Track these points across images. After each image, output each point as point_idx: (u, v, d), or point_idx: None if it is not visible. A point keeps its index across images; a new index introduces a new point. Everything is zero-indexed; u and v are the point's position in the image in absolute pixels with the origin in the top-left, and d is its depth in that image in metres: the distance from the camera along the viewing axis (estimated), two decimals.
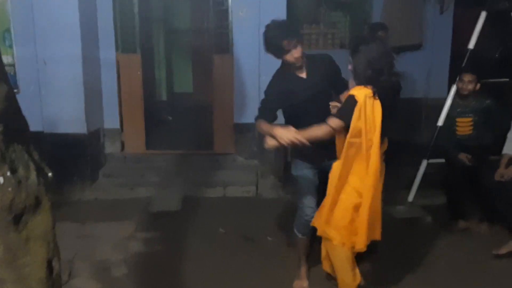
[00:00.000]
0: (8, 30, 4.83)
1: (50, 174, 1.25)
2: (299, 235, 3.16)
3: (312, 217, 2.96)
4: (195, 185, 4.94)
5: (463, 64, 4.07)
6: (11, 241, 1.13)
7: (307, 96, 2.89)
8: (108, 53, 5.29)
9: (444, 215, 4.23)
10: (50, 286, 1.21)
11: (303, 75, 2.94)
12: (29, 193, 1.15)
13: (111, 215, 4.36)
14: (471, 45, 4.05)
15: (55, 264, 1.24)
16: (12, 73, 4.82)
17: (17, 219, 1.14)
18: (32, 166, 1.18)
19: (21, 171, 1.14)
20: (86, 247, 3.71)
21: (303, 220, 3.06)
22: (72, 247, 3.57)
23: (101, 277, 3.31)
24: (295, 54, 2.79)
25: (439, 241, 3.82)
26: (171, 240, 3.88)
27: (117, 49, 5.36)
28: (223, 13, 5.39)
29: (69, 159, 4.76)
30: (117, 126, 5.48)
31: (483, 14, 4.01)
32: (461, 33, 5.55)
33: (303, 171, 3.06)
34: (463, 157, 3.96)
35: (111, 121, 5.43)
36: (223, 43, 5.44)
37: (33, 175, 1.17)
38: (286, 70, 2.96)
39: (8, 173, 1.09)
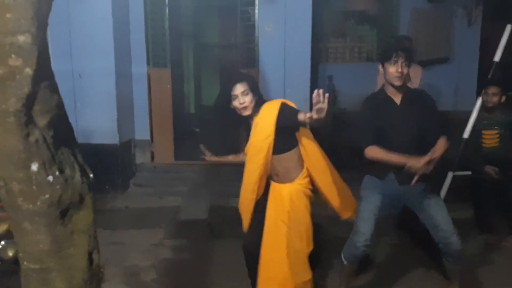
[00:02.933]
0: None
1: (91, 175, 1.37)
2: (345, 262, 2.99)
3: (364, 249, 2.83)
4: (221, 195, 5.03)
5: (489, 77, 4.07)
6: (58, 233, 1.25)
7: (398, 123, 2.79)
8: (139, 67, 5.50)
9: (471, 228, 4.19)
10: (90, 276, 1.33)
11: (398, 101, 2.84)
12: (74, 191, 1.28)
13: (141, 223, 4.49)
14: (497, 57, 4.05)
15: (95, 256, 1.37)
16: None
17: (63, 214, 1.27)
18: (76, 167, 1.31)
19: (67, 171, 1.27)
20: (117, 253, 3.82)
21: (352, 248, 2.89)
22: (103, 253, 3.65)
23: (130, 282, 3.41)
24: None
25: (466, 255, 3.79)
26: (198, 247, 3.97)
27: (148, 63, 5.56)
28: (250, 28, 5.52)
29: (101, 169, 4.92)
30: (148, 137, 5.65)
31: (508, 27, 4.02)
32: (489, 46, 5.53)
33: (372, 194, 2.87)
34: (490, 170, 3.94)
35: (141, 132, 5.62)
36: (249, 57, 5.57)
37: (77, 175, 1.30)
38: (382, 92, 2.88)
39: (57, 173, 1.23)
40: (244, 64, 5.67)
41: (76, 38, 4.93)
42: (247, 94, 2.67)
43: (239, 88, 2.67)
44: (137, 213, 4.80)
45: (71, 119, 5.06)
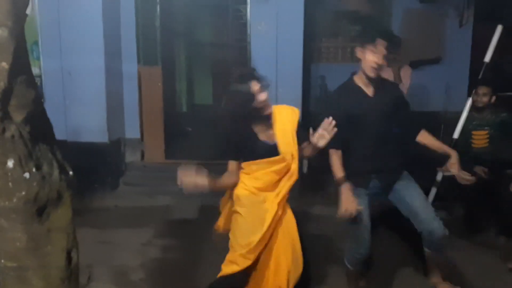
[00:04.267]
0: (36, 43, 5.04)
1: (71, 172, 1.35)
2: (349, 266, 2.91)
3: (366, 252, 2.72)
4: (212, 195, 4.97)
5: (479, 77, 4.08)
6: (34, 231, 1.23)
7: (372, 117, 2.65)
8: (130, 65, 5.47)
9: (460, 228, 4.20)
10: (69, 275, 1.31)
11: (370, 93, 2.68)
12: (52, 188, 1.25)
13: (130, 222, 4.45)
14: (487, 58, 4.06)
15: (73, 254, 1.34)
16: (38, 84, 5.02)
17: (41, 211, 1.24)
18: (55, 164, 1.28)
19: (45, 168, 1.25)
20: (105, 252, 3.79)
21: (356, 255, 2.79)
22: (91, 252, 3.66)
23: (118, 281, 3.38)
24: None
25: (455, 254, 3.79)
26: (188, 247, 3.95)
27: (138, 61, 5.53)
28: (242, 27, 5.51)
29: (91, 167, 4.90)
30: (138, 136, 5.62)
31: (499, 28, 4.03)
32: (480, 47, 5.55)
33: (361, 197, 2.69)
34: (479, 170, 3.95)
35: (132, 131, 5.59)
36: (241, 56, 5.56)
37: (56, 172, 1.27)
38: (352, 84, 2.71)
39: (34, 169, 1.20)
40: (236, 62, 5.66)
41: (66, 35, 4.90)
42: (263, 91, 2.43)
43: (256, 85, 2.41)
44: (126, 212, 4.77)
45: (60, 117, 5.05)
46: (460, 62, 6.53)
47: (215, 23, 8.07)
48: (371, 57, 2.53)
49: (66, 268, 1.30)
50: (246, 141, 2.53)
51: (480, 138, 4.02)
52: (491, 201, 3.99)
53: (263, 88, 2.42)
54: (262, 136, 2.55)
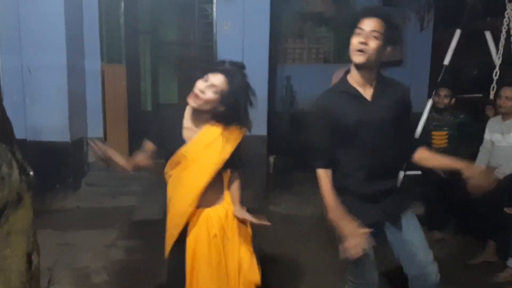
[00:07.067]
0: None
1: (31, 173, 1.31)
2: None
3: None
4: None
5: (439, 80, 4.21)
6: None
7: (370, 127, 2.09)
8: (93, 63, 5.36)
9: (420, 225, 4.31)
10: (29, 279, 1.27)
11: (368, 95, 2.12)
12: (11, 189, 1.21)
13: (93, 223, 4.37)
14: (447, 61, 4.19)
15: (34, 257, 1.30)
16: None
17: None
18: (15, 165, 1.24)
19: (4, 169, 1.20)
20: (67, 254, 3.70)
21: None
22: (52, 254, 3.58)
23: (81, 284, 3.31)
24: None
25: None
26: (152, 248, 3.90)
27: (102, 59, 5.42)
28: (208, 26, 5.49)
29: (52, 167, 4.77)
30: (101, 135, 5.51)
31: (458, 32, 4.17)
32: (440, 50, 5.73)
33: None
34: (438, 169, 4.07)
35: (94, 130, 5.47)
36: (208, 55, 5.53)
37: (15, 173, 1.23)
38: (346, 84, 2.15)
39: None
40: (202, 61, 5.62)
41: (26, 31, 4.76)
42: (215, 93, 2.04)
43: (217, 79, 2.05)
44: (89, 213, 4.68)
45: (20, 116, 4.89)
46: (421, 64, 6.72)
47: (180, 22, 8.01)
48: (354, 39, 2.02)
49: (26, 271, 1.26)
50: (172, 128, 2.21)
51: (439, 139, 4.14)
52: (449, 200, 4.12)
53: (218, 90, 2.04)
54: (186, 132, 2.20)
